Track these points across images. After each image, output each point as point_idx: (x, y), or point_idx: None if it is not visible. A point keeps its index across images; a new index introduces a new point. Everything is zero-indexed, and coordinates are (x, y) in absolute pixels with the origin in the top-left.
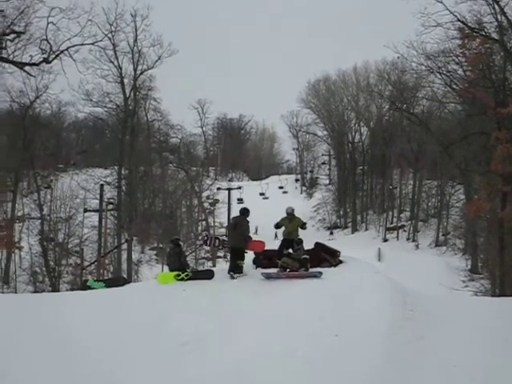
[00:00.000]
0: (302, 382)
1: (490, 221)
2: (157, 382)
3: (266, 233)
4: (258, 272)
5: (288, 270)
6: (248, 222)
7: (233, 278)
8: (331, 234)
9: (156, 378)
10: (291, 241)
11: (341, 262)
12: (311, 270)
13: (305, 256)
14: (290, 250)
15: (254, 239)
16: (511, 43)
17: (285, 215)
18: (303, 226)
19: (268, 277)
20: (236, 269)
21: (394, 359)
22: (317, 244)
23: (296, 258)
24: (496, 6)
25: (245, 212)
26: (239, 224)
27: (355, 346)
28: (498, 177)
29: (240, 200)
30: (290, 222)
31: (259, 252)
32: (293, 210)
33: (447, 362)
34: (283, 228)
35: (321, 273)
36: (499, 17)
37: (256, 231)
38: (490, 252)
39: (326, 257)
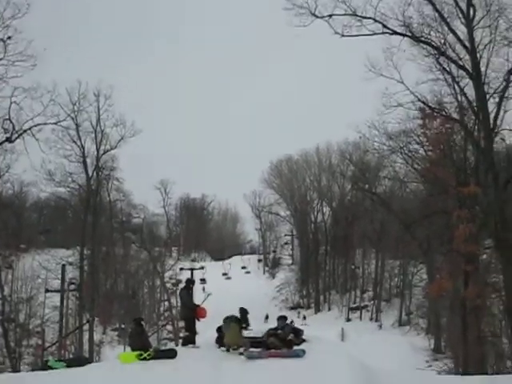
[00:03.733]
0: None
1: (453, 300)
2: None
3: (229, 312)
4: (220, 352)
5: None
6: (190, 292)
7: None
8: (304, 318)
9: None
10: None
11: (304, 340)
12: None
13: (290, 338)
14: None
15: (200, 307)
16: (471, 123)
17: (243, 307)
18: (246, 327)
19: (250, 356)
20: (183, 340)
21: None
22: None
23: (282, 339)
24: (456, 87)
25: (186, 283)
26: (181, 296)
27: None
28: (460, 256)
29: (203, 280)
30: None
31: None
32: (231, 316)
33: None
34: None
35: (304, 351)
36: (459, 97)
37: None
38: (452, 331)
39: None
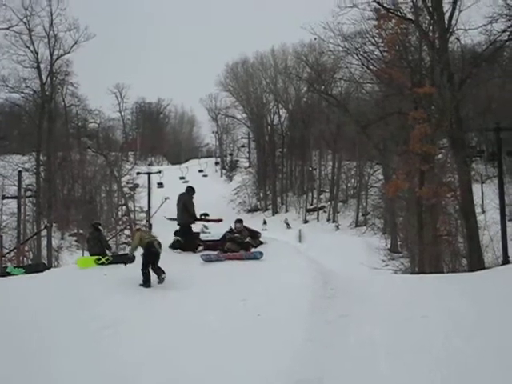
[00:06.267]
0: (224, 361)
1: (409, 200)
2: (77, 365)
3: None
4: (180, 255)
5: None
6: (192, 199)
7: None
8: (265, 223)
9: (76, 361)
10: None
11: (261, 242)
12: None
13: (247, 241)
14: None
15: (211, 217)
16: (426, 23)
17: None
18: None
19: (208, 259)
20: (173, 244)
21: (315, 337)
22: None
23: (240, 242)
24: None
25: (188, 190)
26: (182, 200)
27: (277, 325)
28: (415, 156)
29: (160, 184)
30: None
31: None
32: None
33: (368, 338)
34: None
35: (261, 253)
36: None
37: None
38: (408, 231)
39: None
